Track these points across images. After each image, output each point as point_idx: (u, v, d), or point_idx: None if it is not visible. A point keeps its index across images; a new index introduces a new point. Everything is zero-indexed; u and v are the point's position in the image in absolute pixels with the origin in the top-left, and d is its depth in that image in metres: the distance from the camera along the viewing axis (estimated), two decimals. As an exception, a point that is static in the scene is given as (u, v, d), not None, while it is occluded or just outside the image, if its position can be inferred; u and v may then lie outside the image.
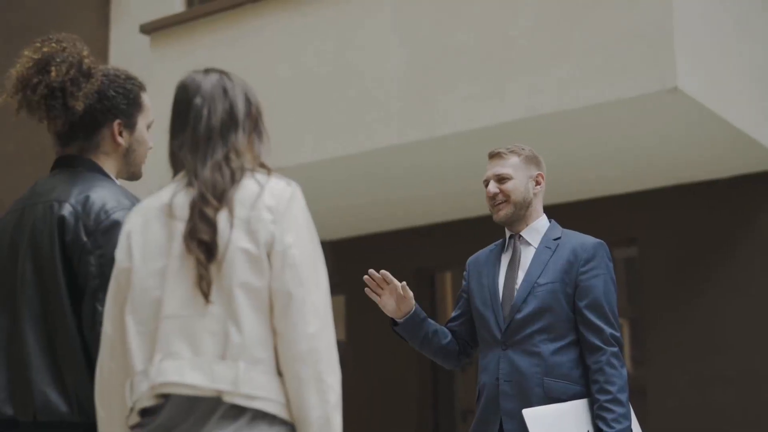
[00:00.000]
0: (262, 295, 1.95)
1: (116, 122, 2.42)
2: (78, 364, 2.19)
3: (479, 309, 3.33)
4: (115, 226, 2.21)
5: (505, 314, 3.25)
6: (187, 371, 1.90)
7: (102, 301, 2.15)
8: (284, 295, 1.94)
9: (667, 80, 5.38)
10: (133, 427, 2.00)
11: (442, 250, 8.20)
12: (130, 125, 2.44)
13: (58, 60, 2.34)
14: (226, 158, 2.03)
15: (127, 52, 8.14)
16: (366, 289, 3.35)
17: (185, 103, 2.09)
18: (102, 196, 2.28)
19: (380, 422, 8.22)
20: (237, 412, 1.91)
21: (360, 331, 7.81)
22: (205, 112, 2.06)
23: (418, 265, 8.26)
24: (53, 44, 2.37)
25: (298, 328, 1.93)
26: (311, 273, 1.98)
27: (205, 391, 1.90)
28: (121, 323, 2.02)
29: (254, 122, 2.13)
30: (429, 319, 3.42)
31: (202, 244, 1.95)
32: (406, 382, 8.21)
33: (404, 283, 3.34)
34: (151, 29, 7.38)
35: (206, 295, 1.94)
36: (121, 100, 2.42)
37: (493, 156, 3.39)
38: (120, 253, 2.05)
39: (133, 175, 2.50)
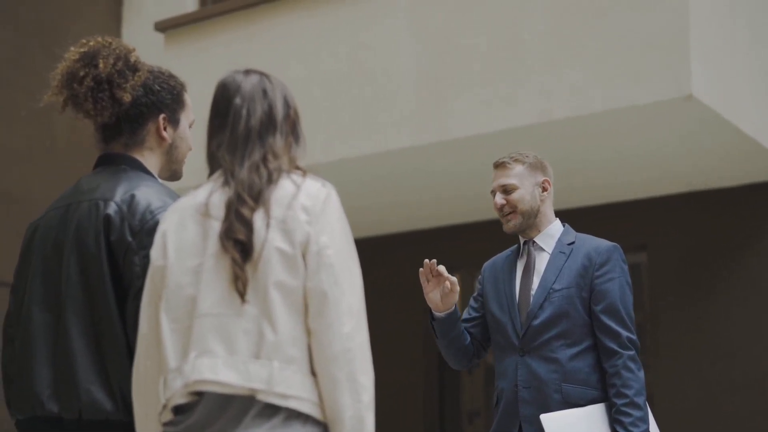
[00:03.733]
0: (296, 295, 1.95)
1: (161, 116, 2.42)
2: (122, 363, 2.19)
3: (496, 314, 3.33)
4: None
5: (522, 320, 3.25)
6: (221, 369, 1.91)
7: None
8: (319, 295, 1.95)
9: (683, 88, 5.36)
10: (166, 424, 2.00)
11: (451, 252, 8.19)
12: (174, 121, 2.45)
13: (105, 53, 2.36)
14: (264, 159, 2.04)
15: (139, 50, 8.13)
16: (421, 270, 3.31)
17: (225, 102, 2.09)
18: (147, 195, 2.28)
19: (387, 423, 8.21)
20: (271, 411, 1.91)
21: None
22: (244, 112, 2.07)
23: (427, 268, 8.25)
24: (99, 40, 2.39)
25: (333, 328, 1.94)
26: (346, 273, 1.99)
27: (239, 390, 1.90)
28: (156, 321, 2.03)
29: (292, 125, 2.14)
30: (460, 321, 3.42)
31: (239, 243, 1.95)
32: (412, 384, 8.20)
33: (455, 279, 3.30)
34: (165, 27, 7.38)
35: (242, 295, 1.94)
36: (166, 95, 2.43)
37: (498, 166, 3.38)
38: (155, 252, 2.06)
39: (174, 174, 2.50)
